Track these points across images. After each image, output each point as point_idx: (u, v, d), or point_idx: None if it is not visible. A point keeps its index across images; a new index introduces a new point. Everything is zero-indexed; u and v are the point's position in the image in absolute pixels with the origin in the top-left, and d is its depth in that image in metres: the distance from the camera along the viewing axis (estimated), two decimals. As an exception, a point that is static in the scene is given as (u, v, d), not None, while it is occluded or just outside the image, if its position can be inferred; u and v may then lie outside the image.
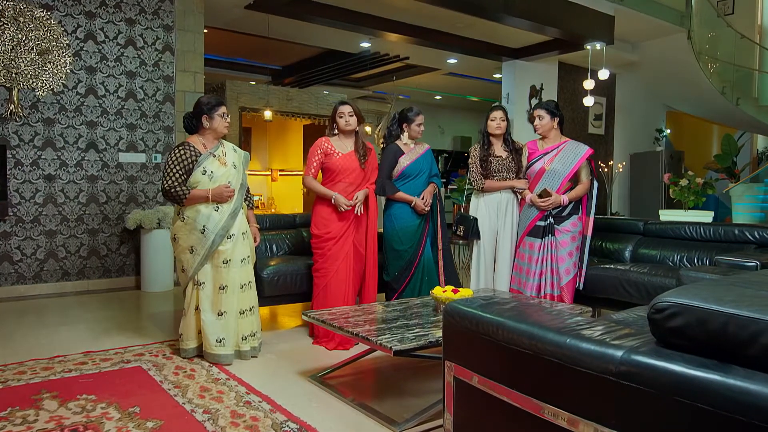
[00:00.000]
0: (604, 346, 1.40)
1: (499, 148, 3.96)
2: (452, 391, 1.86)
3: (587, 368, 1.41)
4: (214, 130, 3.25)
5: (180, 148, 3.19)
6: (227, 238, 3.18)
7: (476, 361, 1.75)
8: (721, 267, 2.95)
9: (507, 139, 4.00)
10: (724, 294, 1.32)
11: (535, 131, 3.92)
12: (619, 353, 1.36)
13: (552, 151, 3.82)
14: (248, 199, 3.47)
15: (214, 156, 3.23)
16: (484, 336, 1.71)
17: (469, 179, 3.99)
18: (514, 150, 3.98)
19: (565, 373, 1.46)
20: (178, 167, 3.15)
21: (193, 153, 3.18)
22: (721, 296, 1.29)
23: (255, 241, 3.44)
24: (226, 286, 3.18)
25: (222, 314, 3.18)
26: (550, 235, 3.71)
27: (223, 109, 3.26)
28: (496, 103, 8.33)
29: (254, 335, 3.31)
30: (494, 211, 3.91)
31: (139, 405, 2.57)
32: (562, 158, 3.78)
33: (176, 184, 3.13)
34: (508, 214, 3.92)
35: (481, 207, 3.96)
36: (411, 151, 3.91)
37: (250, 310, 3.31)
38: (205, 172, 3.16)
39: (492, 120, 3.92)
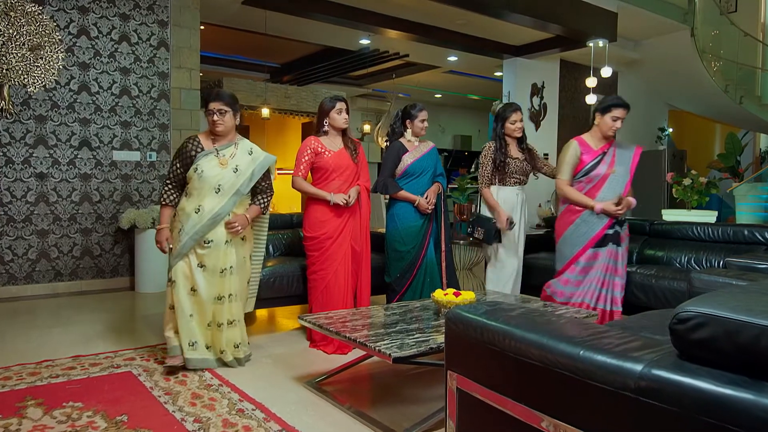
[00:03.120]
0: (621, 359, 1.29)
1: (515, 149, 3.82)
2: (455, 402, 1.76)
3: (603, 383, 1.30)
4: (209, 128, 3.12)
5: (185, 141, 3.13)
6: (205, 244, 2.99)
7: (481, 372, 1.65)
8: (733, 269, 2.85)
9: (522, 139, 3.85)
10: (754, 303, 1.21)
11: (608, 134, 3.44)
12: (638, 367, 1.25)
13: (607, 151, 3.44)
14: (260, 200, 3.21)
15: (217, 155, 3.05)
16: (490, 345, 1.60)
17: (480, 176, 3.84)
18: (528, 150, 3.87)
19: (577, 387, 1.36)
20: (176, 159, 3.10)
21: (194, 147, 3.06)
22: (751, 306, 1.19)
23: (234, 226, 3.02)
24: (195, 290, 3.01)
25: (191, 316, 3.02)
26: (613, 244, 3.40)
27: (212, 105, 3.02)
28: (499, 103, 8.23)
29: (238, 347, 3.13)
30: (510, 209, 3.77)
31: (127, 413, 2.46)
32: (620, 159, 3.44)
33: (170, 179, 3.10)
34: (522, 214, 3.82)
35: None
36: (415, 148, 3.81)
37: (231, 323, 3.08)
38: (197, 169, 3.03)
39: (512, 123, 3.74)
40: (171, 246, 3.07)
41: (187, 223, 2.98)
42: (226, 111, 3.05)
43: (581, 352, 1.37)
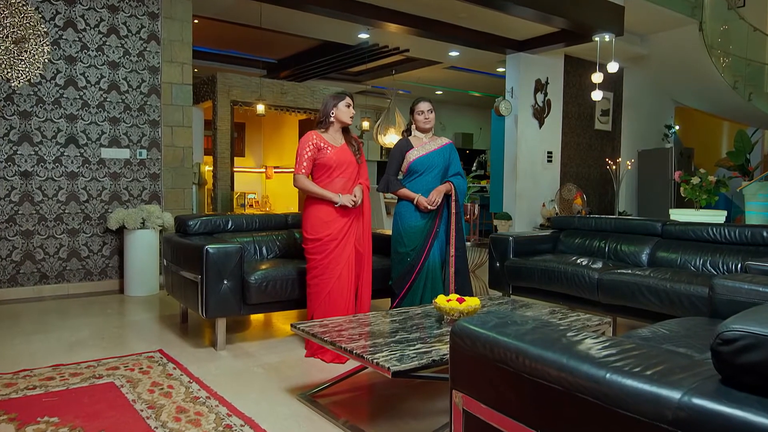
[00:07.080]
0: (656, 385, 1.11)
1: None
2: (461, 425, 1.57)
3: (634, 412, 1.12)
4: None
5: None
6: None
7: (490, 393, 1.46)
8: (756, 274, 2.66)
9: None
10: (815, 322, 1.03)
11: None
12: (676, 395, 1.07)
13: None
14: None
15: None
16: (500, 364, 1.41)
17: None
18: None
19: (602, 415, 1.17)
20: None
21: None
22: (813, 325, 1.00)
23: None
24: None
25: None
26: None
27: None
28: (502, 99, 8.03)
29: None
30: None
31: (105, 429, 2.28)
32: None
33: None
34: None
35: None
36: (422, 145, 3.64)
37: None
38: None
39: None
40: None
41: None
42: None
43: (607, 375, 1.19)
